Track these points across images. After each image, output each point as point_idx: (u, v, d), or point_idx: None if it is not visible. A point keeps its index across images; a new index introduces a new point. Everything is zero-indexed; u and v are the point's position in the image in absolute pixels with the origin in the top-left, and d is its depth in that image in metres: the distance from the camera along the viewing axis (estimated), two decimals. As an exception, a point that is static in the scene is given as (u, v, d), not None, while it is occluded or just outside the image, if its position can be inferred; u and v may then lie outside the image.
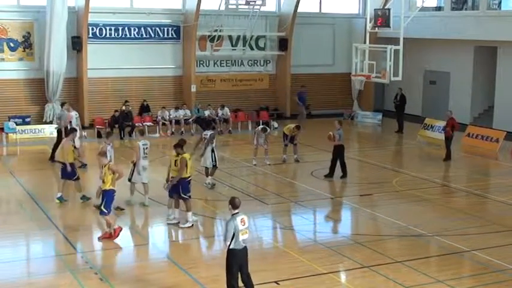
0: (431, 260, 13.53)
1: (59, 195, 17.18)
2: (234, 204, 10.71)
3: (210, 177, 18.98)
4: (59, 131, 22.06)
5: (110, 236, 14.17)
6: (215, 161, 18.88)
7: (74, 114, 23.41)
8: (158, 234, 15.53)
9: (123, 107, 27.67)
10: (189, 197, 15.31)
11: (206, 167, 19.00)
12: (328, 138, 20.15)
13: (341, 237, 15.03)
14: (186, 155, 15.36)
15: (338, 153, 20.18)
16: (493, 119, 29.46)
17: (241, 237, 10.50)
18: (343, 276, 12.54)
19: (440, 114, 26.51)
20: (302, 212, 17.01)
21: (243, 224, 10.54)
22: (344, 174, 20.17)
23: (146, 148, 17.03)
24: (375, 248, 13.87)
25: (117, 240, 14.26)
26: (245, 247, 10.70)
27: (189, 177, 15.41)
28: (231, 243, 10.49)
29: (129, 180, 16.86)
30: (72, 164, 17.16)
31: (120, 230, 14.29)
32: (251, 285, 10.92)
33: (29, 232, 15.16)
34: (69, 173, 17.16)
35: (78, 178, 17.41)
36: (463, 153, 25.22)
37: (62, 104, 24.02)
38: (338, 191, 19.25)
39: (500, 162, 24.04)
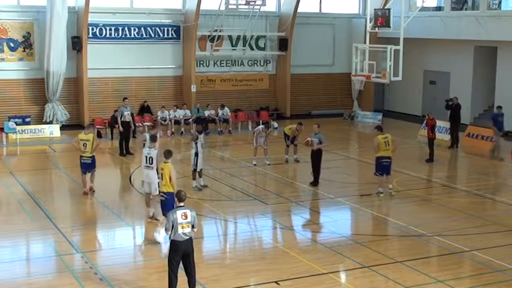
0: (431, 260, 13.52)
1: (381, 190, 18.06)
2: (179, 197, 11.10)
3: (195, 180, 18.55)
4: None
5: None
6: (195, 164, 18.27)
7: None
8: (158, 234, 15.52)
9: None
10: None
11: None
12: (305, 144, 19.38)
13: (341, 237, 15.00)
14: None
15: (315, 158, 19.21)
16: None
17: (180, 230, 10.75)
18: (343, 276, 12.53)
19: (441, 115, 26.48)
20: (302, 212, 17.02)
21: (184, 217, 10.79)
22: (316, 181, 19.18)
23: None
24: (375, 248, 13.88)
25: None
26: (189, 239, 10.90)
27: None
28: (171, 234, 10.81)
29: None
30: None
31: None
32: (194, 280, 11.04)
33: (29, 232, 15.15)
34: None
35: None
36: (463, 153, 25.22)
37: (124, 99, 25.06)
38: (338, 191, 19.21)
39: (500, 162, 24.01)
